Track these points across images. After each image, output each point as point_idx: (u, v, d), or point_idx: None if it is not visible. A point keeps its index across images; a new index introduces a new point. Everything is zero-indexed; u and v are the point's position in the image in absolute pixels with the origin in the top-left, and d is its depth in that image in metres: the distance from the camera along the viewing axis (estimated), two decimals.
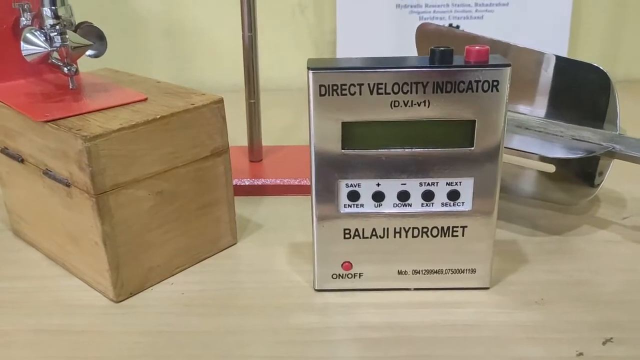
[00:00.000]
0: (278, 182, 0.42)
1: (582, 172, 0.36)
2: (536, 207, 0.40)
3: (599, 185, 0.36)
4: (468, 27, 0.63)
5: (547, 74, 0.38)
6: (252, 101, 0.44)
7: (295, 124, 0.56)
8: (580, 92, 0.37)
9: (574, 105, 0.37)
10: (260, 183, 0.42)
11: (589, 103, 0.37)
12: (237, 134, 0.43)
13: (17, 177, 0.35)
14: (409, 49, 0.47)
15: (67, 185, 0.30)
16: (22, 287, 0.33)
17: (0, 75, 0.36)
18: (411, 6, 0.63)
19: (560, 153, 0.35)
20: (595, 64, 0.36)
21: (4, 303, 0.31)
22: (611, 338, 0.28)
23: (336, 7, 0.63)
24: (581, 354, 0.27)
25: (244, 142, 0.46)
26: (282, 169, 0.44)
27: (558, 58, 0.37)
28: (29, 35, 0.31)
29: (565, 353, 0.27)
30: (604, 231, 0.37)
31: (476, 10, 0.63)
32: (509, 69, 0.27)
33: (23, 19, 0.34)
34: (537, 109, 0.39)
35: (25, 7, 0.34)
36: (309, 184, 0.30)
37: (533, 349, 0.27)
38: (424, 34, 0.42)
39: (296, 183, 0.42)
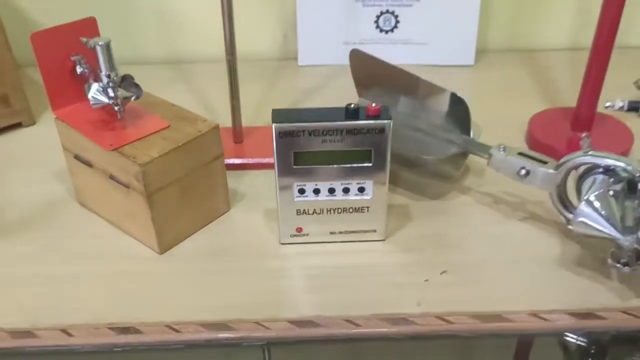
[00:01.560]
0: (257, 161, 0.61)
1: (451, 161, 0.56)
2: (423, 174, 0.60)
3: (461, 169, 0.56)
4: (402, 13, 0.79)
5: (443, 98, 0.56)
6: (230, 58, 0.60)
7: (266, 98, 0.74)
8: (457, 110, 0.55)
9: (453, 119, 0.56)
10: (243, 162, 0.61)
11: (460, 118, 0.55)
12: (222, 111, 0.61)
13: (85, 174, 0.53)
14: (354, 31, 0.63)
15: (127, 187, 0.49)
16: (89, 240, 0.53)
17: (66, 101, 0.53)
18: None
19: (438, 153, 0.55)
20: (463, 98, 0.54)
21: (73, 251, 0.51)
22: (445, 270, 0.49)
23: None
24: (427, 280, 0.48)
25: (228, 121, 0.63)
26: (259, 150, 0.62)
27: (452, 94, 0.55)
28: (94, 95, 0.48)
29: (419, 279, 0.48)
30: (465, 196, 0.57)
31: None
32: (390, 122, 0.46)
33: (79, 67, 0.51)
34: (433, 118, 0.57)
35: (81, 60, 0.51)
36: None
37: (402, 277, 0.49)
38: (355, 56, 0.59)
39: (270, 162, 0.61)
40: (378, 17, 0.79)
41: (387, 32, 0.80)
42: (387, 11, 0.79)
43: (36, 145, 0.66)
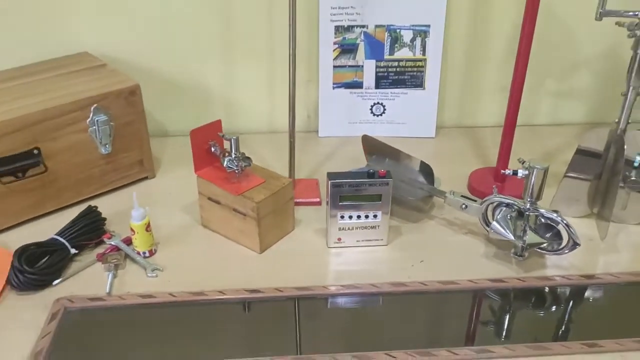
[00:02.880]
0: (306, 200, 1.00)
1: (423, 200, 0.96)
2: (403, 207, 0.99)
3: (429, 205, 0.96)
4: (387, 104, 1.20)
5: (416, 163, 0.96)
6: (292, 140, 1.00)
7: (300, 159, 1.13)
8: (425, 170, 0.96)
9: (423, 175, 0.96)
10: (298, 200, 1.00)
11: (428, 174, 0.96)
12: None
13: (214, 208, 0.91)
14: None
15: (244, 215, 0.87)
16: (212, 248, 0.90)
17: (202, 166, 0.91)
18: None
19: (416, 195, 0.95)
20: (428, 164, 0.94)
21: (210, 251, 0.89)
22: (422, 260, 0.88)
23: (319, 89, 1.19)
24: (412, 265, 0.87)
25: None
26: (307, 193, 1.01)
27: (421, 161, 0.95)
28: (229, 164, 0.87)
29: (408, 264, 0.87)
30: (432, 220, 0.97)
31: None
32: (392, 180, 0.86)
33: (213, 148, 0.90)
34: (411, 175, 0.98)
35: (215, 144, 0.90)
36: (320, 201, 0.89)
37: (398, 263, 0.87)
38: (365, 138, 0.99)
39: (313, 200, 1.00)
40: (372, 106, 1.21)
41: (378, 115, 1.21)
42: (378, 102, 1.20)
43: (159, 193, 1.03)
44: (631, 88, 0.86)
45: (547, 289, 0.84)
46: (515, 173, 0.84)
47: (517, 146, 1.01)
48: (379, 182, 0.86)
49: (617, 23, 0.84)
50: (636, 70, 0.85)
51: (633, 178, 0.91)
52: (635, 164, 0.89)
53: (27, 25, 1.10)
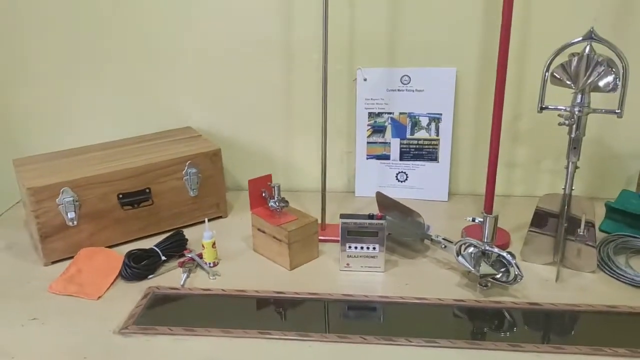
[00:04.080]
0: (331, 238, 1.33)
1: (416, 241, 1.27)
2: (403, 247, 1.29)
3: (420, 245, 1.26)
4: (410, 173, 1.53)
5: (415, 214, 1.28)
6: (323, 193, 1.36)
7: (339, 210, 1.48)
8: (419, 219, 1.27)
9: (418, 221, 1.28)
10: (324, 238, 1.33)
11: (420, 222, 1.27)
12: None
13: (261, 236, 1.27)
14: None
15: (280, 241, 1.23)
16: (254, 263, 1.25)
17: (255, 206, 1.28)
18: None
19: (410, 237, 1.26)
20: (421, 214, 1.26)
21: (253, 268, 1.24)
22: (408, 283, 1.18)
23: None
24: (407, 284, 1.17)
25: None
26: (333, 233, 1.35)
27: (416, 212, 1.27)
28: (272, 205, 1.24)
29: (402, 284, 1.17)
30: (422, 257, 1.27)
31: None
32: (385, 221, 1.18)
33: (264, 194, 1.28)
34: (410, 221, 1.29)
35: (266, 192, 1.27)
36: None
37: (393, 284, 1.18)
38: (378, 194, 1.33)
39: (336, 239, 1.33)
40: (397, 174, 1.54)
41: (402, 181, 1.54)
42: (402, 171, 1.54)
43: (228, 227, 1.42)
44: (570, 162, 1.14)
45: (495, 310, 1.10)
46: (474, 220, 1.13)
47: (502, 211, 1.30)
48: (376, 222, 1.18)
49: (559, 115, 1.13)
50: (571, 149, 1.13)
51: (581, 233, 1.16)
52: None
53: (148, 104, 1.58)
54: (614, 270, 1.18)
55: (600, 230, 1.33)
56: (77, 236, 1.29)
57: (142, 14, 1.50)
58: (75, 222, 1.28)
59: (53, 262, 1.28)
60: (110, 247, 1.32)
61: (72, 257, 1.28)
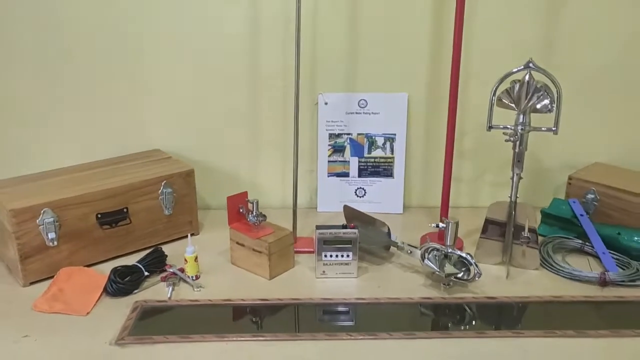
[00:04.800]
0: (304, 249, 1.43)
1: (383, 248, 1.39)
2: (370, 254, 1.42)
3: (387, 252, 1.39)
4: (368, 188, 1.66)
5: (381, 224, 1.41)
6: (294, 209, 1.46)
7: (303, 225, 1.58)
8: (387, 230, 1.40)
9: (383, 231, 1.41)
10: (298, 249, 1.43)
11: (386, 232, 1.40)
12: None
13: (240, 249, 1.35)
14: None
15: (260, 252, 1.31)
16: (238, 274, 1.33)
17: (233, 221, 1.36)
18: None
19: (378, 244, 1.38)
20: (387, 224, 1.39)
21: (232, 277, 1.32)
22: (380, 286, 1.30)
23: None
24: (379, 286, 1.29)
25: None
26: (305, 245, 1.45)
27: (383, 222, 1.40)
28: (251, 219, 1.33)
29: (375, 286, 1.29)
30: (389, 263, 1.39)
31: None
32: (357, 231, 1.30)
33: (241, 209, 1.36)
34: (377, 231, 1.42)
35: (243, 207, 1.36)
36: (314, 250, 1.32)
37: (366, 287, 1.29)
38: (346, 207, 1.45)
39: (309, 250, 1.43)
40: (356, 190, 1.67)
41: (360, 197, 1.67)
42: (360, 187, 1.67)
43: (203, 243, 1.48)
44: (515, 174, 1.31)
45: (459, 304, 1.24)
46: (437, 226, 1.27)
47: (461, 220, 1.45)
48: (350, 232, 1.30)
49: (503, 133, 1.31)
50: (515, 162, 1.30)
51: (525, 236, 1.33)
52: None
53: (115, 127, 1.62)
54: (554, 267, 1.35)
55: (538, 233, 1.51)
56: (56, 256, 1.31)
57: (109, 39, 1.55)
58: (55, 243, 1.30)
59: (31, 283, 1.30)
60: (88, 266, 1.35)
61: (50, 277, 1.30)
